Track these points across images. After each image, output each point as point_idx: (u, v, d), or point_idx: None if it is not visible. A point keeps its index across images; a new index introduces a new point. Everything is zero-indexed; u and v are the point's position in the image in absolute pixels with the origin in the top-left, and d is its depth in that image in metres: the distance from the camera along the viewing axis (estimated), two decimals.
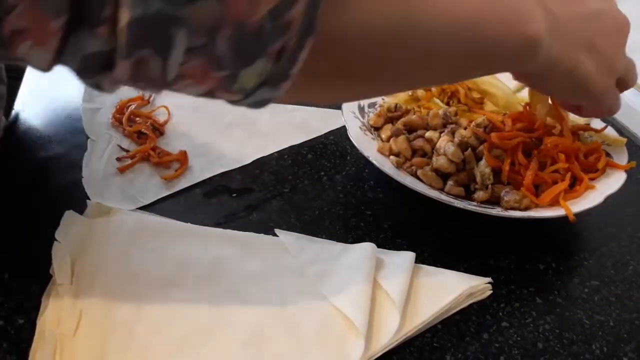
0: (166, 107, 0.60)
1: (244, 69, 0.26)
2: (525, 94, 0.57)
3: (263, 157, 0.56)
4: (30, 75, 0.65)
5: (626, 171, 0.50)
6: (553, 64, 0.38)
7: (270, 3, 0.24)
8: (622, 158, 0.52)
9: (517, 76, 0.43)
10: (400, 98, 0.60)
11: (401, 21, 0.30)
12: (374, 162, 0.49)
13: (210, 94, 0.28)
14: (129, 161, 0.53)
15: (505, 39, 0.34)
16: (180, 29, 0.23)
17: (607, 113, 0.47)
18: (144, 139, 0.55)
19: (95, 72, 0.25)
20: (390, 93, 0.39)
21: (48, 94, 0.63)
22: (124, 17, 0.22)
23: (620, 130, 0.61)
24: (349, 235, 0.47)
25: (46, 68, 0.24)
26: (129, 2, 0.22)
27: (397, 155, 0.51)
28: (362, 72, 0.32)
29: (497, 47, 0.35)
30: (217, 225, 0.47)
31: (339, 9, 0.27)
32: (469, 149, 0.49)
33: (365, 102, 0.58)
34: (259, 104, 0.29)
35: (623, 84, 0.45)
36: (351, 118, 0.55)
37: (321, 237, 0.46)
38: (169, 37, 0.23)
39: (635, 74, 0.45)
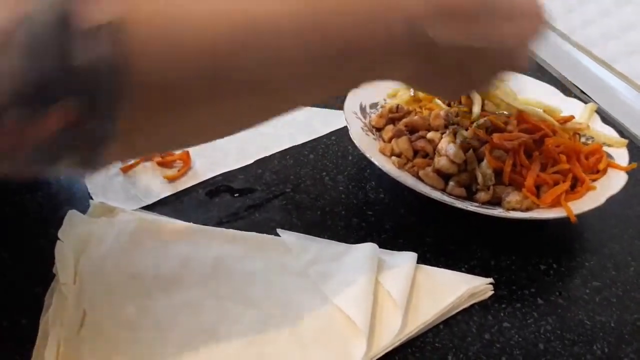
0: None
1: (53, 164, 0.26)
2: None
3: (265, 157, 0.56)
4: None
5: (627, 172, 0.50)
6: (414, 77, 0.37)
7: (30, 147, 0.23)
8: (623, 159, 0.52)
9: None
10: (402, 99, 0.60)
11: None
12: (376, 162, 0.49)
13: None
14: (132, 161, 0.53)
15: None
16: None
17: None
18: None
19: None
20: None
21: None
22: None
23: (622, 131, 0.62)
24: (350, 235, 0.47)
25: None
26: None
27: (398, 155, 0.52)
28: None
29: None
30: (220, 224, 0.47)
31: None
32: (471, 149, 0.49)
33: (367, 103, 0.58)
34: None
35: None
36: (353, 119, 0.55)
37: (323, 237, 0.46)
38: None
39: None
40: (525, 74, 0.65)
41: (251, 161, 0.55)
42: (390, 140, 0.53)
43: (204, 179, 0.52)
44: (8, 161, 0.24)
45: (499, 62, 0.39)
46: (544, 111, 0.57)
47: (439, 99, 0.53)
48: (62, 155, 0.25)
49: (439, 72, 0.37)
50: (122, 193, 0.49)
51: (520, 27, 0.38)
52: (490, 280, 0.44)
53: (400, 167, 0.51)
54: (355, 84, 0.38)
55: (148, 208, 0.48)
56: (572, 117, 0.57)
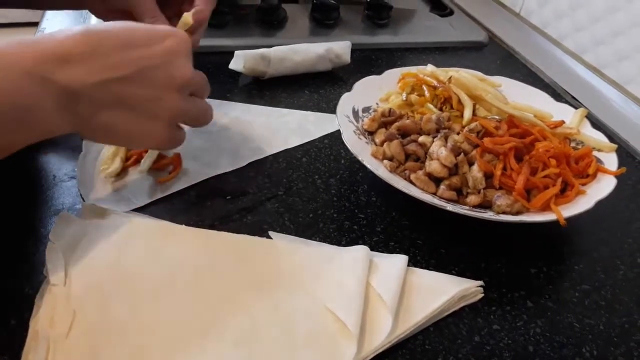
0: None
1: None
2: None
3: (258, 160, 0.56)
4: None
5: (616, 177, 0.50)
6: (85, 127, 0.39)
7: None
8: (612, 164, 0.52)
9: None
10: (394, 103, 0.61)
11: None
12: (368, 166, 0.49)
13: None
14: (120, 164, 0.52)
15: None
16: None
17: (167, 145, 0.45)
18: None
19: None
20: None
21: None
22: None
23: (611, 136, 0.62)
24: (342, 238, 0.48)
25: None
26: None
27: (390, 159, 0.52)
28: None
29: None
30: (212, 227, 0.47)
31: None
32: (462, 153, 0.50)
33: (359, 107, 0.59)
34: None
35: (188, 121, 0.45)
36: (345, 122, 0.55)
37: (315, 240, 0.47)
38: None
39: (198, 113, 0.45)
40: (519, 80, 0.66)
41: (244, 164, 0.55)
42: (382, 144, 0.53)
43: (196, 181, 0.52)
44: None
45: (162, 80, 0.40)
46: (535, 116, 0.58)
47: None
48: None
49: (106, 116, 0.39)
50: (113, 195, 0.49)
51: (159, 48, 0.40)
52: (481, 282, 0.44)
53: (392, 170, 0.51)
54: (17, 144, 0.37)
55: (139, 210, 0.48)
56: (563, 122, 0.58)
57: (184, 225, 0.46)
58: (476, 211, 0.47)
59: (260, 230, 0.47)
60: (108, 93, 0.38)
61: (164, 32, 0.41)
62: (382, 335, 0.38)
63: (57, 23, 0.78)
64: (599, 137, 0.56)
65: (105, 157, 0.52)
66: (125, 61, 0.38)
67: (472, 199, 0.48)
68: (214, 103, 0.64)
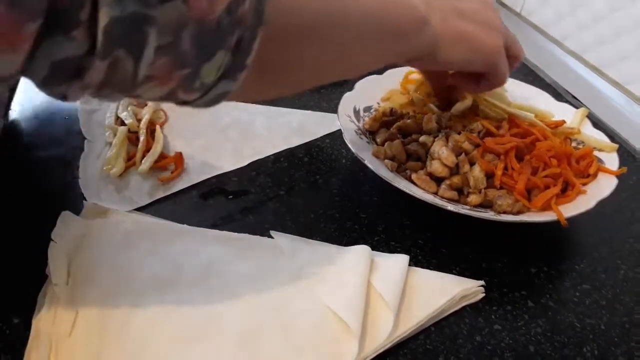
0: (163, 110, 0.61)
1: (205, 64, 0.27)
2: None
3: (259, 159, 0.56)
4: None
5: (617, 177, 0.50)
6: (441, 34, 0.44)
7: (225, 1, 0.26)
8: (613, 163, 0.52)
9: (418, 66, 0.54)
10: (396, 102, 0.61)
11: (328, 10, 0.35)
12: (369, 165, 0.49)
13: (170, 95, 0.29)
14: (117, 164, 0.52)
15: (404, 24, 0.41)
16: (152, 27, 0.24)
17: (500, 82, 0.50)
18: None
19: (63, 79, 0.25)
20: (316, 83, 0.45)
21: (45, 95, 0.63)
22: (103, 18, 0.23)
23: (612, 136, 0.62)
24: (343, 237, 0.48)
25: (10, 76, 0.24)
26: (107, 3, 0.22)
27: (391, 159, 0.52)
28: (294, 59, 0.35)
29: (399, 31, 0.41)
30: (213, 226, 0.47)
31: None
32: (463, 153, 0.50)
33: (361, 107, 0.59)
34: (213, 102, 0.31)
35: (512, 55, 0.49)
36: (347, 122, 0.55)
37: (316, 240, 0.47)
38: (143, 36, 0.24)
39: (520, 46, 0.51)
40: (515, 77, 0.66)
41: (245, 163, 0.55)
42: (383, 144, 0.53)
43: (198, 181, 0.52)
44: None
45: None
46: (536, 116, 0.58)
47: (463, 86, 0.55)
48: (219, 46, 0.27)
49: (455, 24, 0.45)
50: (115, 194, 0.49)
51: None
52: (482, 282, 0.44)
53: (393, 170, 0.51)
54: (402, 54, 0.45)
55: (141, 210, 0.48)
56: (564, 121, 0.58)
57: (185, 225, 0.46)
58: (477, 211, 0.47)
59: (261, 230, 0.47)
60: (448, 6, 0.45)
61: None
62: (383, 334, 0.38)
63: None
64: (600, 137, 0.56)
65: (109, 157, 0.52)
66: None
67: (473, 198, 0.48)
68: None
